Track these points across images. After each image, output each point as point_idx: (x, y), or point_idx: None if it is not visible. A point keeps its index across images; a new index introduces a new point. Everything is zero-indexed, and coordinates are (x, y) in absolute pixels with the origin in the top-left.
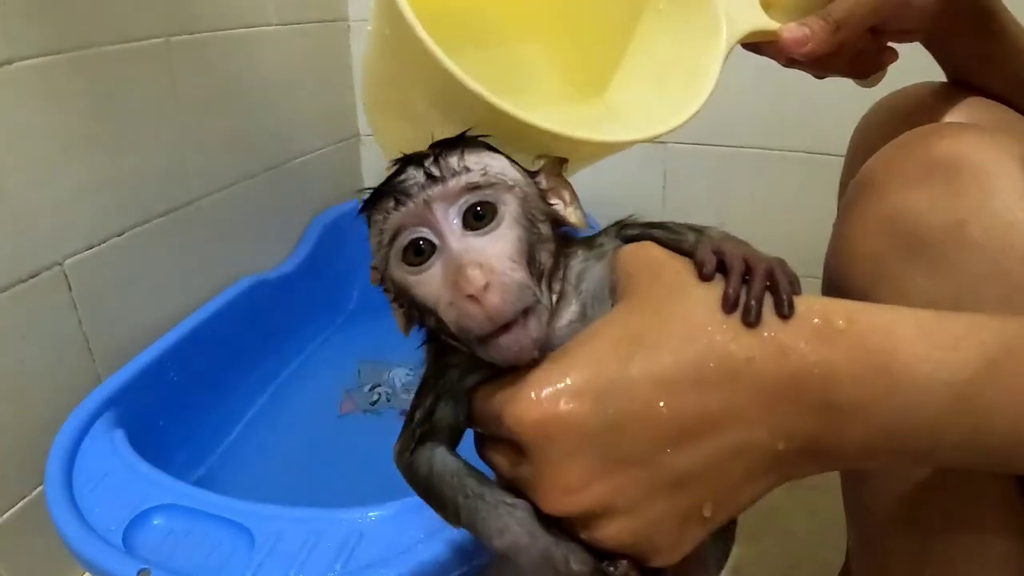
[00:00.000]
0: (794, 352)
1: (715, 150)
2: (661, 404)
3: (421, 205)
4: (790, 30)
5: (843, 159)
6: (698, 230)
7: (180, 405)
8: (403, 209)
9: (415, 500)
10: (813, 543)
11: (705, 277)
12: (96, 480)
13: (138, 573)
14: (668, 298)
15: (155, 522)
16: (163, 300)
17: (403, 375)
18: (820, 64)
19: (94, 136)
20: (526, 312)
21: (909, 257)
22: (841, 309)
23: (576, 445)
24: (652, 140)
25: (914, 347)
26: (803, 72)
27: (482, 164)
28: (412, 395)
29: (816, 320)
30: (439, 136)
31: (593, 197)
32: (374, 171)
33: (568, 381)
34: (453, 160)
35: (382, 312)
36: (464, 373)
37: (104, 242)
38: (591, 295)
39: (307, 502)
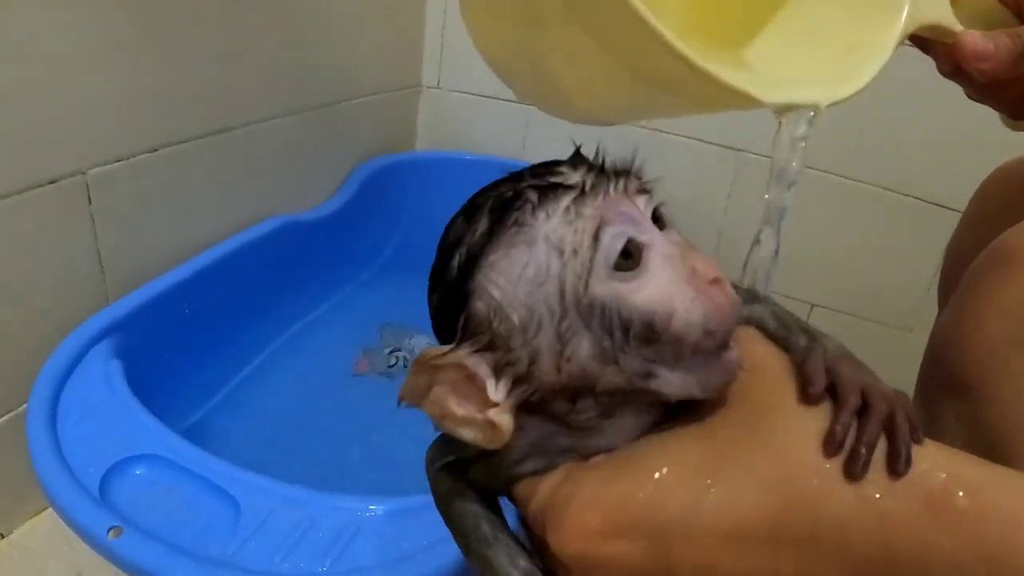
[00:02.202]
0: (898, 525)
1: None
2: (727, 559)
3: (616, 193)
4: (974, 39)
5: (926, 203)
6: (813, 336)
7: (187, 341)
8: (596, 200)
9: (420, 499)
10: None
11: (810, 399)
12: (83, 413)
13: (108, 530)
14: (761, 422)
15: (137, 472)
16: (187, 228)
17: (425, 342)
18: (985, 88)
19: (136, 44)
20: None
21: None
22: (967, 478)
23: None
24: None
25: None
26: (892, 101)
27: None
28: None
29: (933, 488)
30: (557, 51)
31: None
32: (431, 126)
33: (624, 513)
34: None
35: (413, 273)
36: (519, 459)
37: (133, 157)
38: None
39: (304, 466)
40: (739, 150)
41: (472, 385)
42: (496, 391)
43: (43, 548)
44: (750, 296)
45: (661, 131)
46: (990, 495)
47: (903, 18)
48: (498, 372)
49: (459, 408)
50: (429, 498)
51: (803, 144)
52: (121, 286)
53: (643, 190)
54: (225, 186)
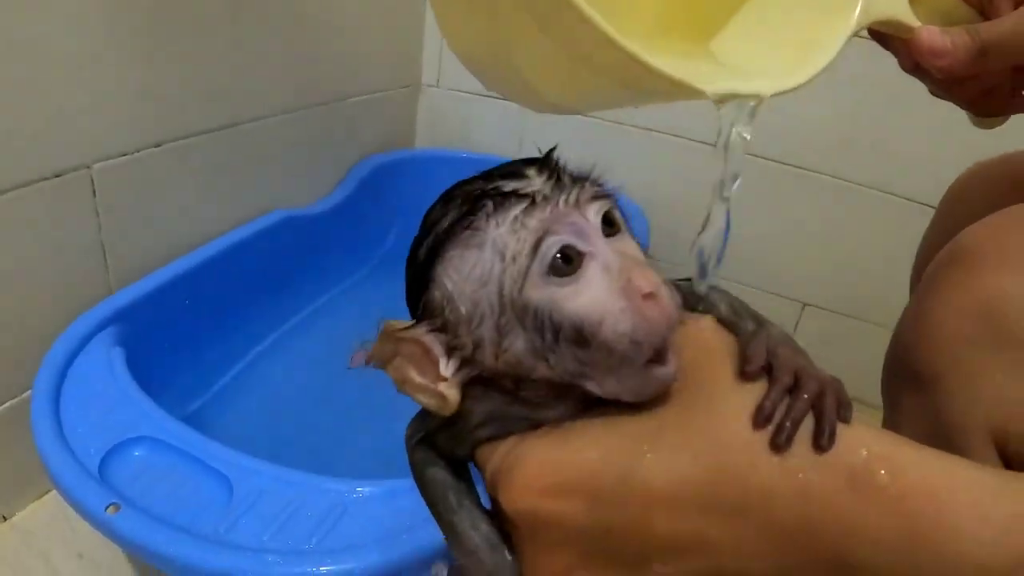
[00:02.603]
0: (818, 498)
1: (784, 168)
2: (660, 521)
3: (564, 206)
4: (931, 35)
5: (919, 204)
6: (761, 322)
7: (187, 332)
8: (542, 213)
9: (408, 482)
10: None
11: (747, 375)
12: (85, 397)
13: (107, 507)
14: (699, 397)
15: (136, 453)
16: (189, 221)
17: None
18: (945, 84)
19: (141, 41)
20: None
21: (995, 349)
22: (888, 456)
23: (563, 538)
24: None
25: (959, 519)
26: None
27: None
28: None
29: (855, 465)
30: (515, 40)
31: (648, 194)
32: (430, 124)
33: (566, 474)
34: (569, 166)
35: None
36: (478, 425)
37: (138, 152)
38: None
39: (297, 455)
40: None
41: (428, 359)
42: (446, 368)
43: (45, 531)
44: (707, 287)
45: (653, 130)
46: (912, 474)
47: (856, 13)
48: (449, 352)
49: (417, 377)
50: (413, 482)
51: (747, 136)
52: (124, 277)
53: (597, 196)
54: (227, 181)
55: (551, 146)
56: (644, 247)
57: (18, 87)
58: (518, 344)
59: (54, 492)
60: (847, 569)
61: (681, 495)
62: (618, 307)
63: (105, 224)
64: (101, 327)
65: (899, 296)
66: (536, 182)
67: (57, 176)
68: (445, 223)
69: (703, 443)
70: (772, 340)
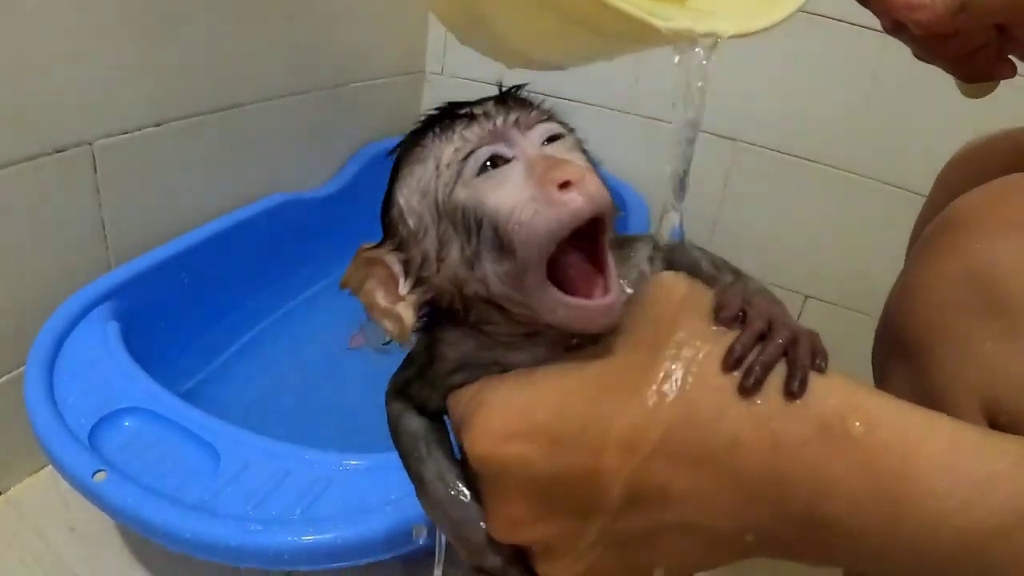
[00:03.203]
0: (788, 448)
1: (786, 159)
2: (620, 467)
3: (503, 124)
4: None
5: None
6: (739, 274)
7: (185, 311)
8: (480, 126)
9: (395, 456)
10: None
11: (721, 321)
12: (78, 369)
13: (94, 473)
14: (669, 342)
15: (126, 423)
16: (190, 201)
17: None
18: (926, 43)
19: (145, 19)
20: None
21: (984, 316)
22: (864, 407)
23: (524, 484)
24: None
25: (935, 477)
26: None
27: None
28: None
29: (828, 415)
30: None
31: (648, 183)
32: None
33: (526, 418)
34: (521, 98)
35: None
36: (451, 371)
37: (139, 130)
38: None
39: (289, 434)
40: (733, 139)
41: (391, 282)
42: (403, 287)
43: (38, 505)
44: (691, 246)
45: (656, 119)
46: (888, 427)
47: None
48: (406, 270)
49: (382, 300)
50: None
51: (700, 84)
52: (124, 255)
53: (543, 120)
54: (229, 162)
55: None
56: (644, 231)
57: (21, 61)
58: (452, 255)
59: (49, 468)
60: (819, 526)
61: (643, 441)
62: (526, 197)
63: (105, 201)
64: (98, 302)
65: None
66: (487, 106)
67: (58, 152)
68: (403, 143)
69: (668, 387)
70: (748, 290)
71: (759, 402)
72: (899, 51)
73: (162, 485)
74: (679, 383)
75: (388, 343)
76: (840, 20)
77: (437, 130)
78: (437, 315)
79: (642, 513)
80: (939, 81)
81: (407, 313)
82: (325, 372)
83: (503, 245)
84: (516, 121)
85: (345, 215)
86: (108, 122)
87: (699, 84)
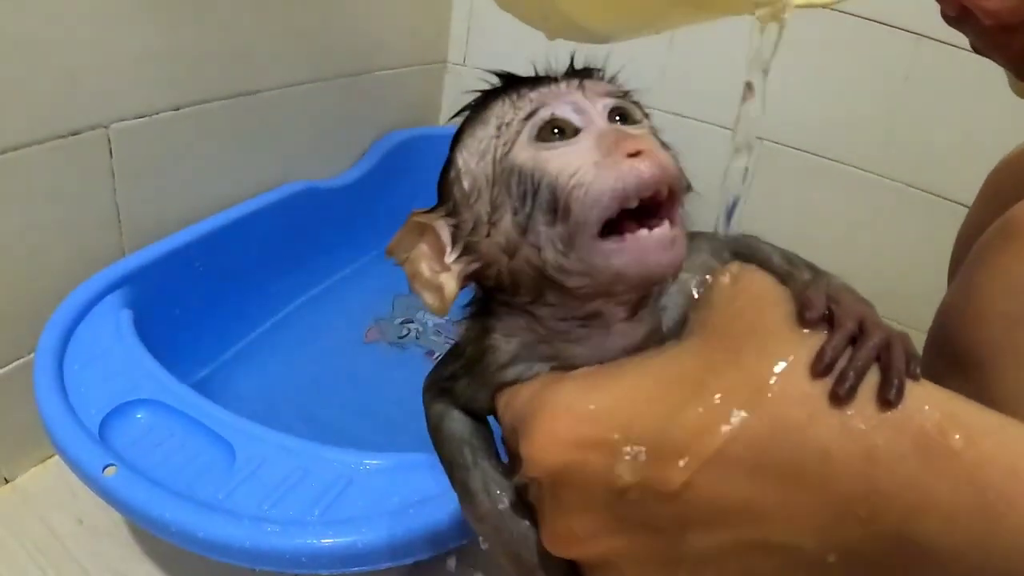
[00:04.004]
0: (884, 461)
1: (813, 159)
2: (700, 482)
3: (568, 87)
4: None
5: (954, 204)
6: (817, 271)
7: (199, 299)
8: (546, 88)
9: (418, 456)
10: None
11: (807, 322)
12: (89, 358)
13: (104, 468)
14: (751, 341)
15: (138, 416)
16: (206, 187)
17: (436, 316)
18: (991, 35)
19: (166, 2)
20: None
21: None
22: (965, 420)
23: (589, 499)
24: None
25: None
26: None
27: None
28: (443, 336)
29: (926, 426)
30: None
31: None
32: (456, 103)
33: (596, 424)
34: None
35: None
36: (504, 364)
37: (156, 114)
38: (674, 313)
39: (304, 428)
40: (758, 138)
41: (438, 252)
42: (449, 255)
43: (46, 494)
44: (757, 240)
45: (681, 115)
46: (990, 442)
47: None
48: (454, 238)
49: (427, 271)
50: (424, 455)
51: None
52: (138, 241)
53: (611, 93)
54: (247, 148)
55: None
56: None
57: (37, 42)
58: (505, 219)
59: (57, 456)
60: (909, 544)
61: (726, 453)
62: (592, 161)
63: (120, 186)
64: (111, 289)
65: (924, 296)
66: (556, 73)
67: (73, 135)
68: (470, 107)
69: (753, 393)
70: (832, 287)
71: (851, 412)
72: (933, 52)
73: (174, 481)
74: (764, 390)
75: (404, 336)
76: (872, 20)
77: (503, 92)
78: (487, 300)
79: (719, 529)
80: (972, 83)
81: (450, 284)
82: (340, 366)
83: (559, 208)
84: (581, 85)
85: (363, 205)
86: (124, 106)
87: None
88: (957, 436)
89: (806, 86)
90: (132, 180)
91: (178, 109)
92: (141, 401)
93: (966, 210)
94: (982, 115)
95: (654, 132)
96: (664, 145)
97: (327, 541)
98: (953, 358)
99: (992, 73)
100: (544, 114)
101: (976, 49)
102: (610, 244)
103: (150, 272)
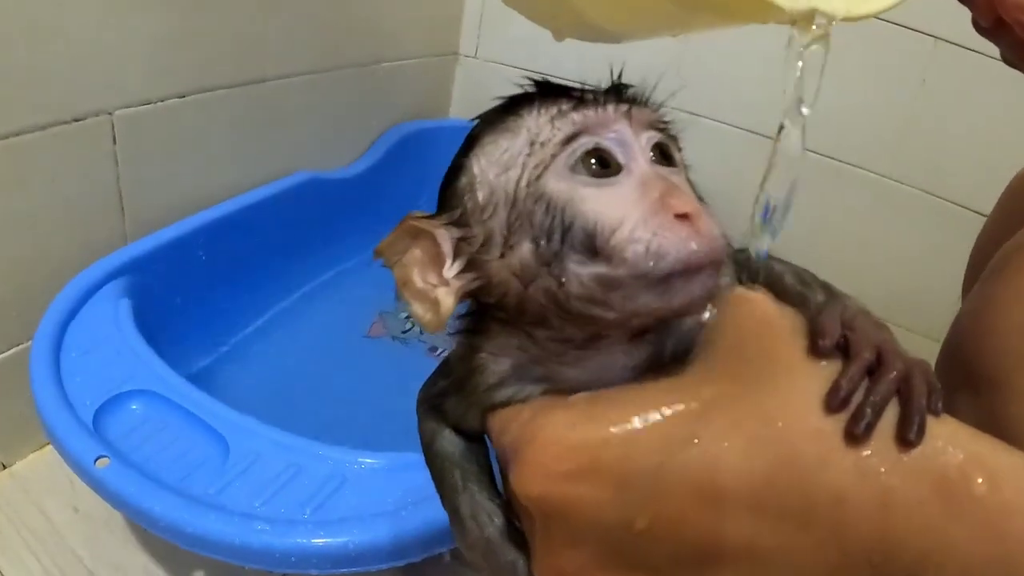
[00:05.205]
0: (901, 506)
1: (829, 163)
2: (700, 521)
3: (615, 113)
4: None
5: (970, 211)
6: (834, 293)
7: (201, 288)
8: (589, 111)
9: (414, 456)
10: None
11: (820, 351)
12: (87, 347)
13: (96, 459)
14: (759, 371)
15: (133, 407)
16: (211, 176)
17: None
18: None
19: None
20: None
21: None
22: (989, 463)
23: (582, 533)
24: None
25: None
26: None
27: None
28: (446, 332)
29: (948, 469)
30: None
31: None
32: (466, 94)
33: (590, 455)
34: (634, 92)
35: None
36: (493, 385)
37: (162, 101)
38: (678, 333)
39: (301, 422)
40: (770, 137)
41: (435, 263)
42: (449, 269)
43: (43, 481)
44: (777, 263)
45: (701, 116)
46: (1014, 487)
47: None
48: (458, 250)
49: (419, 279)
50: (420, 455)
51: (800, 64)
52: (140, 229)
53: (656, 126)
54: (253, 137)
55: None
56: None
57: (42, 28)
58: (524, 245)
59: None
60: None
61: (729, 491)
62: (641, 215)
63: (124, 173)
64: (111, 277)
65: (939, 303)
66: (597, 92)
67: (77, 121)
68: (493, 111)
69: (761, 429)
70: (848, 311)
71: (868, 451)
72: (951, 57)
73: (167, 474)
74: (772, 425)
75: (408, 331)
76: (889, 21)
77: (537, 102)
78: (480, 313)
79: (718, 571)
80: (991, 88)
81: (447, 300)
82: (341, 360)
83: (597, 250)
84: (628, 113)
85: (370, 197)
86: (129, 92)
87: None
88: (980, 480)
89: (821, 87)
90: (136, 167)
91: (183, 97)
92: (137, 392)
93: (982, 218)
94: (1001, 121)
95: (687, 174)
96: (695, 191)
97: (317, 541)
98: (967, 371)
99: (1012, 79)
100: (586, 142)
101: (1007, 61)
102: (658, 290)
103: (152, 260)
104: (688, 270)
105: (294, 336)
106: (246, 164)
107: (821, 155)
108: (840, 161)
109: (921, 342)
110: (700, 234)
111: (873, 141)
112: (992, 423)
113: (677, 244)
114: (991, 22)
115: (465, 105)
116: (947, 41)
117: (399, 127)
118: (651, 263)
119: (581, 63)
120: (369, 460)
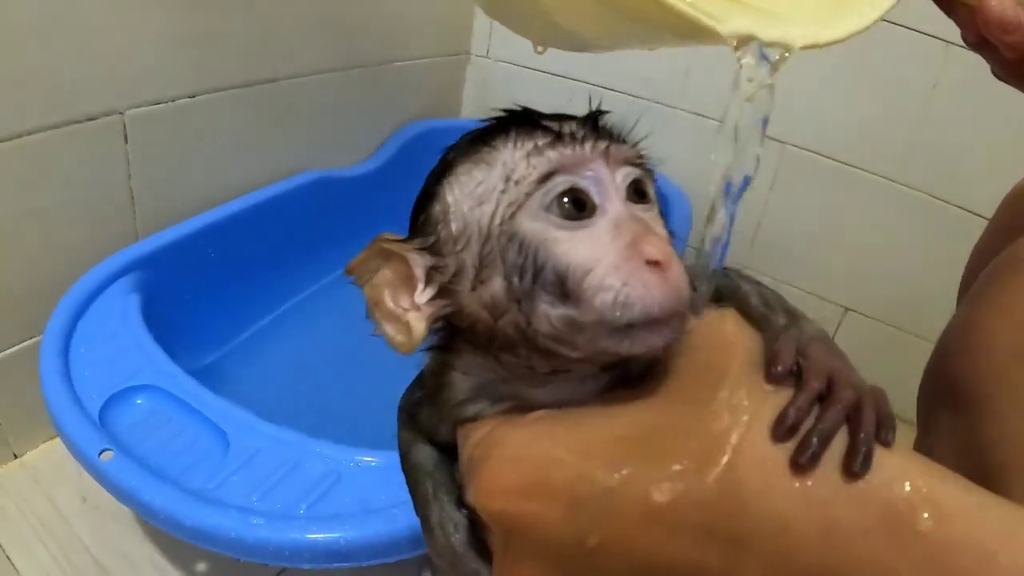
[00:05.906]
0: (843, 537)
1: (836, 165)
2: (648, 541)
3: (592, 153)
4: (1001, 5)
5: (975, 216)
6: (795, 317)
7: (210, 285)
8: (566, 149)
9: None
10: None
11: (771, 378)
12: (96, 342)
13: (100, 452)
14: (712, 396)
15: (138, 401)
16: (221, 174)
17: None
18: (1013, 65)
19: None
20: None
21: None
22: (935, 496)
23: (537, 549)
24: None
25: None
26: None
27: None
28: None
29: (894, 502)
30: None
31: (693, 181)
32: (477, 94)
33: (542, 474)
34: (611, 126)
35: None
36: (462, 401)
37: (173, 101)
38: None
39: (305, 419)
40: (782, 142)
41: (407, 285)
42: (421, 295)
43: (53, 471)
44: (738, 275)
45: (704, 116)
46: (961, 522)
47: None
48: (429, 277)
49: (390, 301)
50: None
51: (764, 90)
52: (151, 227)
53: (632, 162)
54: (263, 137)
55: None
56: (681, 234)
57: (53, 27)
58: (496, 280)
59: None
60: None
61: (676, 514)
62: (612, 262)
63: (135, 171)
64: (121, 273)
65: (947, 309)
66: (572, 125)
67: (89, 120)
68: (467, 139)
69: (707, 454)
70: (804, 337)
71: (812, 481)
72: (963, 62)
73: (168, 468)
74: (720, 451)
75: None
76: (901, 25)
77: (513, 134)
78: (451, 331)
79: None
80: (1003, 94)
81: (418, 325)
82: (348, 358)
83: (568, 294)
84: (605, 151)
85: (380, 195)
86: (140, 92)
87: (763, 89)
88: (926, 515)
89: (831, 90)
90: (147, 166)
91: (194, 96)
92: (142, 387)
93: (983, 221)
94: (1012, 127)
95: (660, 210)
96: (666, 226)
97: (311, 536)
98: (948, 392)
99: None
100: (562, 182)
101: (996, 75)
102: (620, 337)
103: (162, 257)
104: (651, 322)
105: (302, 333)
106: (256, 163)
107: (832, 159)
108: (851, 166)
109: (921, 344)
110: (667, 283)
111: (884, 145)
112: (971, 442)
113: (644, 296)
114: (975, 39)
115: (476, 105)
116: (958, 45)
117: (410, 126)
118: (617, 312)
119: (593, 64)
120: (366, 458)
